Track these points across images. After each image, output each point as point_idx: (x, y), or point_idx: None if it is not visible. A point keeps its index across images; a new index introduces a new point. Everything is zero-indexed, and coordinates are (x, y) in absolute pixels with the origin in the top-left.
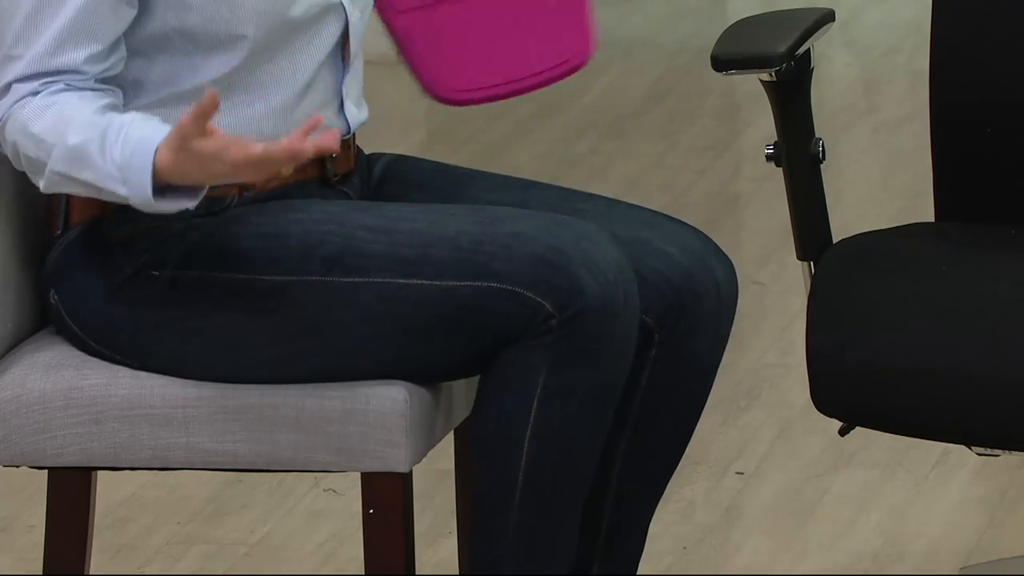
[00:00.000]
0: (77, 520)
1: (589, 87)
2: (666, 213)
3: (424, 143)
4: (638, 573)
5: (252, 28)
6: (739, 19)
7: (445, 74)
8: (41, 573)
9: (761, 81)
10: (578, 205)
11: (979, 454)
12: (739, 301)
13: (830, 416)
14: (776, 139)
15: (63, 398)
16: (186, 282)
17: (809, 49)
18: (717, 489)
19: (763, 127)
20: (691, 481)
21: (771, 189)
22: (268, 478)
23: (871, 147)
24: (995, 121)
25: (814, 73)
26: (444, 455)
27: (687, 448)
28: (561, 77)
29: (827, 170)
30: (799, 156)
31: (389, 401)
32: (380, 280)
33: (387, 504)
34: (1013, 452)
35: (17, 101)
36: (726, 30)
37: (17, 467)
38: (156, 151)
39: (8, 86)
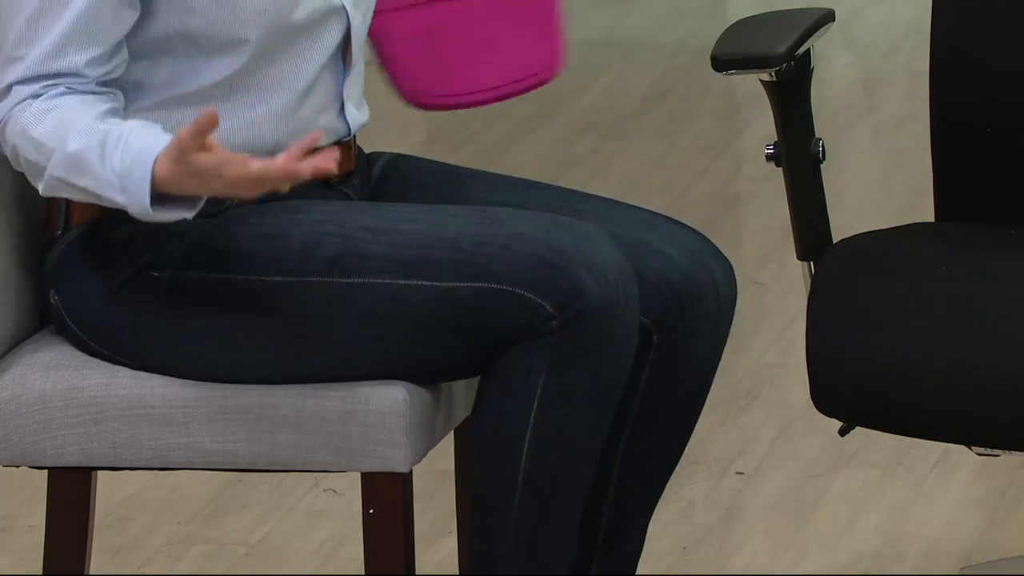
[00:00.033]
0: (77, 520)
1: (589, 87)
2: (666, 214)
3: (424, 143)
4: (638, 573)
5: (254, 32)
6: (739, 19)
7: (416, 77)
8: (41, 573)
9: (761, 81)
10: (577, 206)
11: (979, 454)
12: (739, 301)
13: (830, 416)
14: (776, 139)
15: (63, 398)
16: (186, 283)
17: (809, 49)
18: (717, 489)
19: (763, 127)
20: (691, 481)
21: (771, 189)
22: (268, 478)
23: (871, 147)
24: (995, 121)
25: (814, 73)
26: (444, 455)
27: (687, 448)
28: (527, 90)
29: (827, 170)
30: (799, 156)
31: (389, 401)
32: (380, 281)
33: (387, 504)
34: (1013, 452)
35: (18, 103)
36: (726, 30)
37: (17, 467)
38: (155, 161)
39: (9, 88)
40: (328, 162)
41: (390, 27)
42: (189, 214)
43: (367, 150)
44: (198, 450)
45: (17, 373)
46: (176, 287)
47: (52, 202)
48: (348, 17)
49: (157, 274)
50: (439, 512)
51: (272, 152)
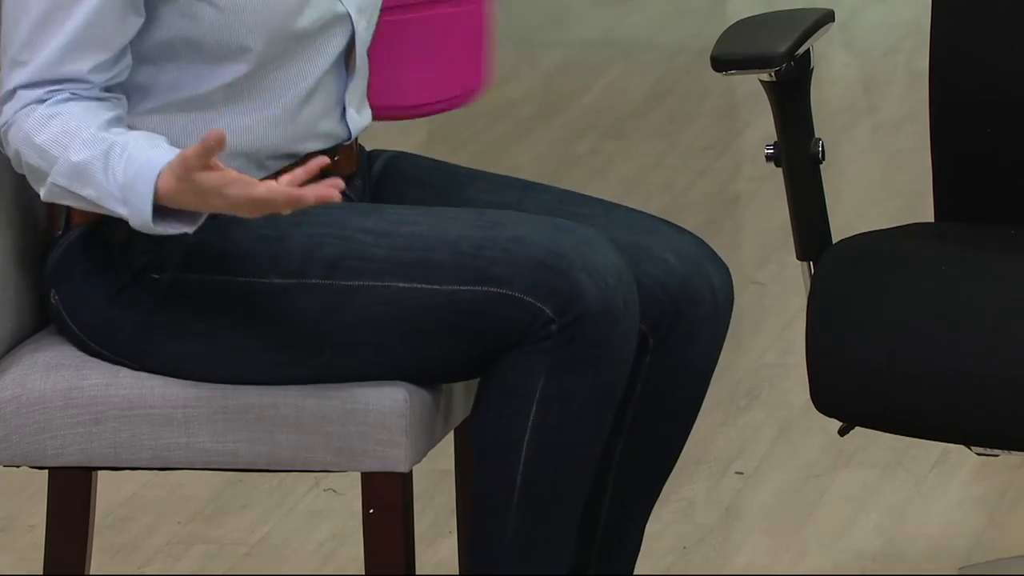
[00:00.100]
0: (77, 520)
1: (589, 87)
2: (666, 214)
3: (424, 143)
4: (638, 573)
5: (258, 40)
6: (739, 19)
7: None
8: (41, 573)
9: (761, 81)
10: (574, 208)
11: (978, 454)
12: (739, 302)
13: (830, 416)
14: (776, 139)
15: (63, 398)
16: (186, 285)
17: (809, 49)
18: (717, 489)
19: (763, 127)
20: (691, 481)
21: (771, 189)
22: (268, 478)
23: (871, 147)
24: (995, 121)
25: (814, 73)
26: (444, 455)
27: (687, 448)
28: (454, 108)
29: (827, 170)
30: (799, 156)
31: (389, 401)
32: (380, 284)
33: (387, 504)
34: (1012, 452)
35: (22, 108)
36: (726, 30)
37: (17, 467)
38: (159, 176)
39: (13, 92)
40: (333, 192)
41: None
42: (189, 229)
43: (368, 147)
44: (198, 450)
45: (17, 373)
46: (176, 289)
47: (53, 203)
48: (352, 24)
49: (157, 276)
50: (439, 512)
51: (272, 156)
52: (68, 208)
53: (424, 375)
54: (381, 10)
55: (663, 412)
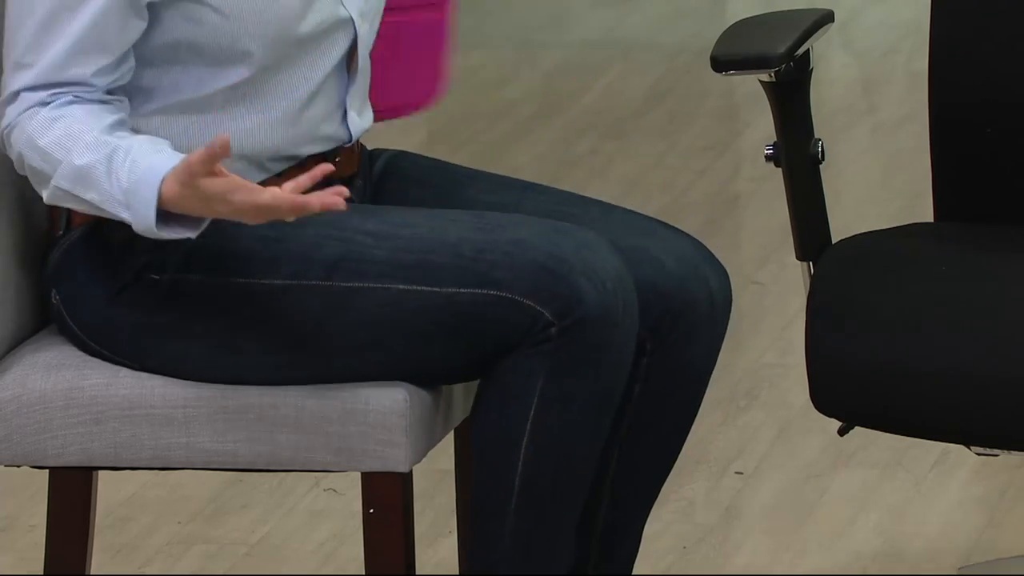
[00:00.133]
0: (78, 520)
1: (589, 87)
2: (666, 214)
3: (425, 143)
4: (638, 573)
5: (260, 44)
6: (739, 19)
7: None
8: (42, 573)
9: (760, 82)
10: (573, 210)
11: (978, 454)
12: (738, 302)
13: (829, 416)
14: (775, 139)
15: (64, 398)
16: (186, 285)
17: (808, 50)
18: (717, 489)
19: (762, 127)
20: (691, 481)
21: (770, 189)
22: (268, 478)
23: (870, 147)
24: (994, 121)
25: (813, 74)
26: (444, 455)
27: (687, 447)
28: (411, 114)
29: (826, 170)
30: (798, 156)
31: (389, 401)
32: (380, 286)
33: (387, 504)
34: (1012, 452)
35: (25, 110)
36: (725, 31)
37: (18, 467)
38: (163, 181)
39: (16, 94)
40: (338, 200)
41: None
42: (192, 234)
43: (368, 146)
44: (199, 450)
45: (18, 373)
46: (176, 290)
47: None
48: (355, 28)
49: (157, 277)
50: (439, 512)
51: (272, 158)
52: (69, 209)
53: (424, 377)
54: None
55: (661, 414)
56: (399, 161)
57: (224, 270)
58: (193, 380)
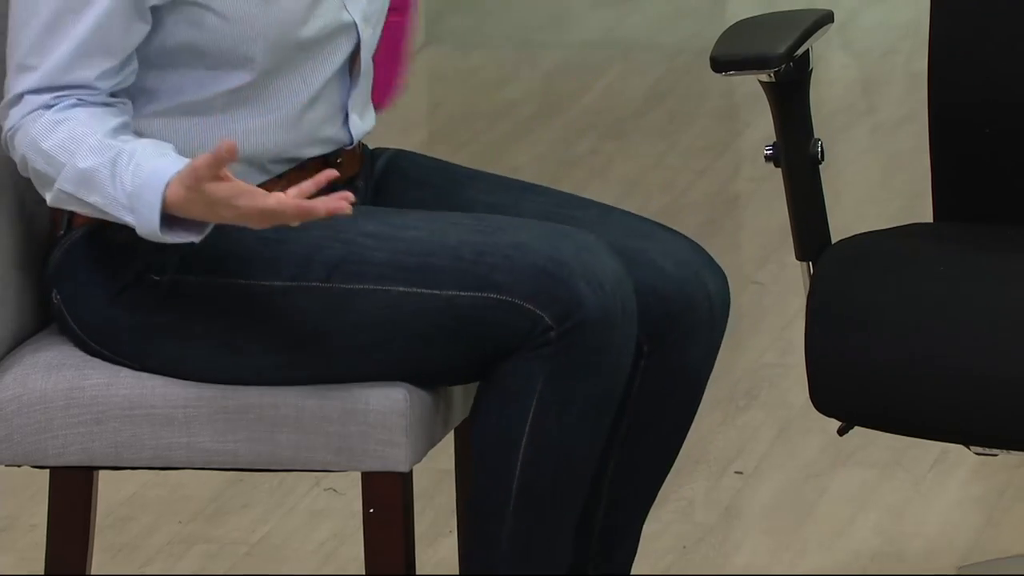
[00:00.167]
0: (78, 519)
1: (589, 87)
2: (666, 214)
3: (425, 143)
4: (637, 573)
5: (263, 49)
6: (739, 20)
7: None
8: (43, 573)
9: (760, 82)
10: (572, 212)
11: (977, 454)
12: (738, 302)
13: (829, 416)
14: (775, 140)
15: (64, 398)
16: (187, 287)
17: (808, 50)
18: (716, 488)
19: (762, 128)
20: (690, 480)
21: (770, 189)
22: (269, 478)
23: (870, 148)
24: (994, 121)
25: (813, 74)
26: (444, 455)
27: (687, 447)
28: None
29: (826, 171)
30: (798, 157)
31: (389, 401)
32: (380, 288)
33: (387, 504)
34: (1011, 452)
35: (29, 113)
36: (725, 31)
37: (19, 467)
38: (167, 185)
39: (20, 96)
40: (343, 205)
41: None
42: (196, 238)
43: (370, 146)
44: (199, 450)
45: (19, 373)
46: (177, 291)
47: None
48: (358, 33)
49: (158, 277)
50: (439, 512)
51: (273, 160)
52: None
53: (423, 379)
54: None
55: (659, 415)
56: (400, 161)
57: (225, 271)
58: (194, 380)
